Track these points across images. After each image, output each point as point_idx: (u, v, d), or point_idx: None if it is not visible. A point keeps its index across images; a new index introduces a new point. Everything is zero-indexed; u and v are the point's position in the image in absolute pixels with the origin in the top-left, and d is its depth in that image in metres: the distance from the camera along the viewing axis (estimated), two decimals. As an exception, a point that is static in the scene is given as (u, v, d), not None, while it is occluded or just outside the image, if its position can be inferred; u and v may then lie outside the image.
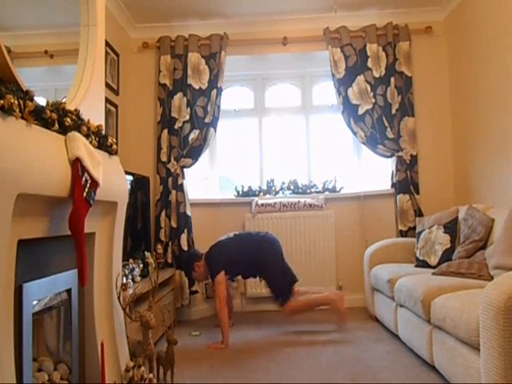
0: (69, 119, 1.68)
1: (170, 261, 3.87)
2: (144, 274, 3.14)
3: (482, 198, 3.55)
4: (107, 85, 3.49)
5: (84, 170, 1.66)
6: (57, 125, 1.61)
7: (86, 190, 1.65)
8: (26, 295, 1.45)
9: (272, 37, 4.16)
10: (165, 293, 3.36)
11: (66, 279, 1.78)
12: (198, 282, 3.79)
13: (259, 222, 4.08)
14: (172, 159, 3.99)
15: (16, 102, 1.33)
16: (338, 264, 4.10)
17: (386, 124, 3.97)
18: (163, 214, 3.95)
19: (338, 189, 4.29)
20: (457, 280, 2.55)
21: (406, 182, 3.96)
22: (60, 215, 1.65)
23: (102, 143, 2.02)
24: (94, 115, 2.03)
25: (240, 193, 4.31)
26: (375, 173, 4.30)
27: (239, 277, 3.60)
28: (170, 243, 3.90)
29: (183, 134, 4.02)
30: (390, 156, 4.02)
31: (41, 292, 1.61)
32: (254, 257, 3.32)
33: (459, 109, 3.96)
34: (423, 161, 4.09)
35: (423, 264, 3.19)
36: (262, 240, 3.41)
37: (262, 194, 4.29)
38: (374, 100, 4.01)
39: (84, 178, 1.65)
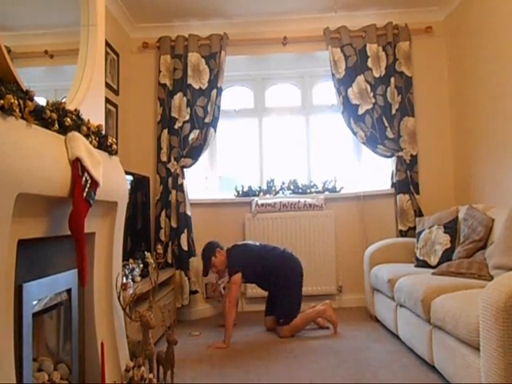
0: (69, 119, 1.68)
1: (170, 261, 3.86)
2: (144, 274, 3.14)
3: (482, 198, 3.55)
4: (107, 85, 3.49)
5: (84, 170, 1.66)
6: (57, 125, 1.61)
7: (86, 189, 1.65)
8: (26, 295, 1.45)
9: (272, 37, 4.16)
10: (165, 293, 3.36)
11: (66, 279, 1.78)
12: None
13: (259, 222, 4.08)
14: (172, 159, 3.99)
15: (16, 101, 1.33)
16: (338, 264, 4.10)
17: (386, 124, 3.97)
18: (163, 214, 3.95)
19: (337, 189, 4.29)
20: (457, 280, 2.55)
21: (406, 181, 3.96)
22: (60, 215, 1.65)
23: (102, 143, 2.02)
24: (94, 115, 2.03)
25: (240, 193, 4.30)
26: (375, 173, 4.30)
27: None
28: (169, 243, 3.90)
29: (183, 133, 4.02)
30: (390, 156, 4.02)
31: (41, 292, 1.61)
32: (275, 270, 3.29)
33: (459, 109, 3.96)
34: (423, 161, 4.09)
35: (423, 264, 3.19)
36: (286, 257, 3.37)
37: (262, 193, 4.29)
38: (373, 100, 4.01)
39: (84, 178, 1.65)
